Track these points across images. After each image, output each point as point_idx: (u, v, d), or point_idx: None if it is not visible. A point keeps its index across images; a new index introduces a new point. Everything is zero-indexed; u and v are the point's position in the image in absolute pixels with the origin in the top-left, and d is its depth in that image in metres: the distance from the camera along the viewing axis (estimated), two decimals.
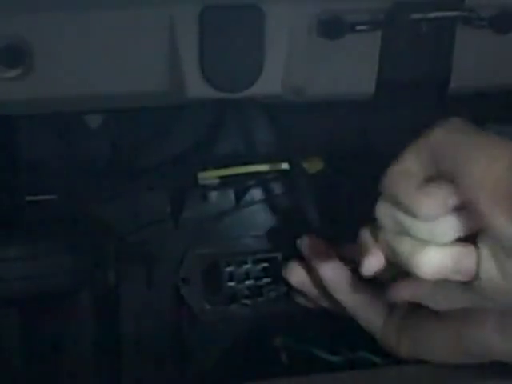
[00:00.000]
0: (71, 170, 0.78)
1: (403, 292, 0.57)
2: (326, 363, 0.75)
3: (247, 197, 0.82)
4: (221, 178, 0.79)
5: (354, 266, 0.65)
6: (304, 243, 0.71)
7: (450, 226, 0.53)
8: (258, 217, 0.83)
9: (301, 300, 0.75)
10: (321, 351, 0.75)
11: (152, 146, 0.80)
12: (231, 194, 0.81)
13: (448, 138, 0.52)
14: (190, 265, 0.81)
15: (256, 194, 0.82)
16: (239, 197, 0.81)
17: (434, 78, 0.64)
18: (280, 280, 0.79)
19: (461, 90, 0.65)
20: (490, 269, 0.51)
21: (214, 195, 0.81)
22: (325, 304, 0.71)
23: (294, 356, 0.80)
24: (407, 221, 0.54)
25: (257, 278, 0.80)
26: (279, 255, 0.80)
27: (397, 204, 0.54)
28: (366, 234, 0.58)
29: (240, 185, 0.80)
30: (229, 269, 0.79)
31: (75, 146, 0.78)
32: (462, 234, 0.53)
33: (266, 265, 0.80)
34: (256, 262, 0.80)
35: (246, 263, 0.79)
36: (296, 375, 0.66)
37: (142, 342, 0.82)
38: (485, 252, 0.52)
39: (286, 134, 0.74)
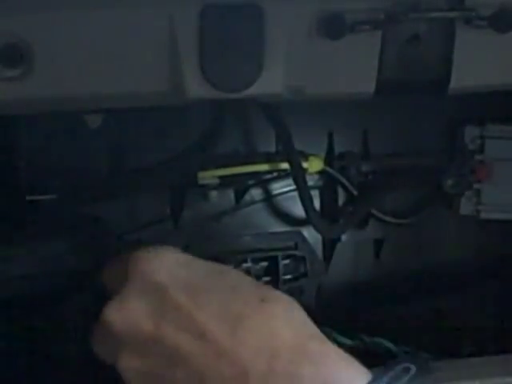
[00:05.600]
0: (71, 170, 0.78)
1: None
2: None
3: (247, 197, 0.82)
4: (221, 177, 0.79)
5: None
6: None
7: None
8: (258, 217, 0.83)
9: None
10: (337, 333, 0.75)
11: (152, 146, 0.80)
12: (231, 194, 0.82)
13: None
14: None
15: (256, 194, 0.83)
16: (239, 197, 0.81)
17: (434, 78, 0.64)
18: (280, 279, 0.79)
19: (461, 89, 0.65)
20: None
21: (213, 195, 0.81)
22: None
23: None
24: None
25: (257, 277, 0.80)
26: (279, 255, 0.80)
27: None
28: None
29: (240, 185, 0.80)
30: None
31: (75, 146, 0.78)
32: None
33: (265, 264, 0.80)
34: (256, 261, 0.80)
35: (245, 262, 0.79)
36: None
37: None
38: None
39: (285, 133, 0.73)
